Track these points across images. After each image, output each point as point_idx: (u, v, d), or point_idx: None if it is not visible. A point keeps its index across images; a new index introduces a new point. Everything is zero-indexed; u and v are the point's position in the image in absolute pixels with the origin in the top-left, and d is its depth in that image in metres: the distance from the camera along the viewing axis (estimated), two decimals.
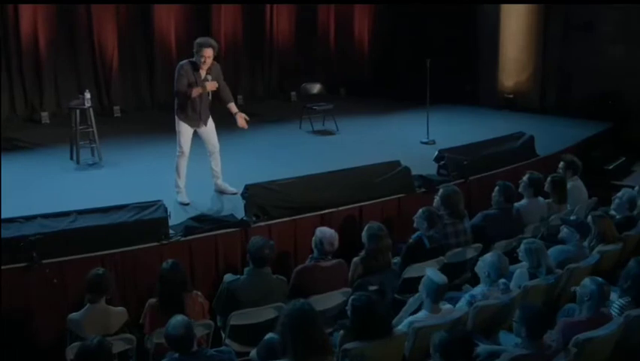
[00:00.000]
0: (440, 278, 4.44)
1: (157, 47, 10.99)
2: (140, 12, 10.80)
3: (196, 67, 6.41)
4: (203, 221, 5.85)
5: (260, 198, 5.98)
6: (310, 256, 5.19)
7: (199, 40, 6.48)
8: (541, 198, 6.43)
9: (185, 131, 6.59)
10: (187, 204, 6.53)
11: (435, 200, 5.95)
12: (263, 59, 12.28)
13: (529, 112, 10.90)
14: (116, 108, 10.64)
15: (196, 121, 6.60)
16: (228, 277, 5.30)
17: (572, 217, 5.54)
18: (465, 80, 11.49)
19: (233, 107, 6.72)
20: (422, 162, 7.62)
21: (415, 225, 5.64)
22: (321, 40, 12.84)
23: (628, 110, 10.16)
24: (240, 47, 11.92)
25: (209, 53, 6.34)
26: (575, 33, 10.66)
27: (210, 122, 6.75)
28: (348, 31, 13.09)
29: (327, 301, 4.95)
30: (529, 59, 11.11)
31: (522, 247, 5.08)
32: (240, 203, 6.31)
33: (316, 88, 10.14)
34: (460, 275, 5.83)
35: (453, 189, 5.88)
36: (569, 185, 6.67)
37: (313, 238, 5.13)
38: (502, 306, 4.62)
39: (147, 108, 11.11)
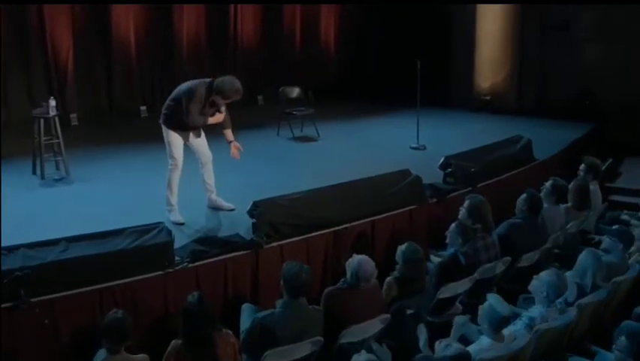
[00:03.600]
0: (505, 309, 4.05)
1: (115, 49, 10.19)
2: (97, 12, 9.94)
3: (209, 94, 5.79)
4: (209, 244, 5.21)
5: (271, 215, 5.39)
6: (343, 279, 4.64)
7: (231, 84, 5.80)
8: (562, 206, 6.11)
9: (176, 141, 5.94)
10: (182, 224, 5.86)
11: (461, 212, 5.52)
12: (227, 61, 11.62)
13: (507, 114, 10.70)
14: (73, 116, 9.73)
15: (188, 134, 6.00)
16: (246, 307, 4.79)
17: (613, 226, 5.21)
18: (440, 83, 11.18)
19: (229, 134, 6.19)
20: (416, 169, 7.16)
21: (447, 241, 5.20)
22: (287, 42, 12.31)
23: (605, 110, 10.09)
24: (204, 49, 11.24)
25: (234, 98, 5.83)
26: (551, 33, 10.56)
27: (201, 132, 6.12)
28: (314, 32, 12.60)
29: (367, 330, 4.47)
30: (505, 59, 10.93)
31: (580, 255, 4.72)
32: (239, 220, 5.78)
33: (295, 92, 9.57)
34: (487, 291, 5.43)
35: (480, 200, 5.48)
36: None
37: (349, 262, 4.58)
38: (564, 328, 4.27)
39: (106, 115, 10.26)
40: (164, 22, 10.65)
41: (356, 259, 4.58)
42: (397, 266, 4.92)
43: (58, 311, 4.45)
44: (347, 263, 4.58)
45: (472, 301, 5.26)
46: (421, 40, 11.09)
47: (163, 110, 6.02)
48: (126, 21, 10.21)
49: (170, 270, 4.88)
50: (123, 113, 10.31)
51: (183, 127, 5.88)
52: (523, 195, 5.73)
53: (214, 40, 11.31)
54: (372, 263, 4.59)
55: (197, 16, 11.00)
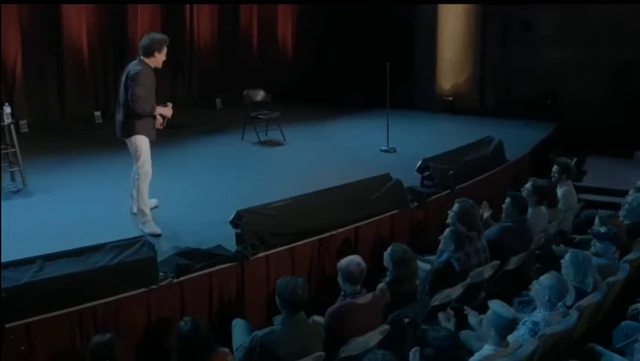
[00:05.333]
0: (509, 313, 3.94)
1: (67, 52, 9.72)
2: (46, 13, 9.42)
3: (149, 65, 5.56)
4: (193, 257, 4.92)
5: (256, 225, 5.15)
6: (342, 294, 4.45)
7: (158, 36, 5.67)
8: (543, 207, 6.10)
9: (146, 146, 5.65)
10: (158, 235, 5.55)
11: (450, 216, 5.41)
12: (183, 63, 11.26)
13: (469, 114, 10.75)
14: (23, 123, 9.16)
15: (153, 131, 5.71)
16: (237, 323, 4.57)
17: (601, 229, 5.21)
18: (402, 84, 11.13)
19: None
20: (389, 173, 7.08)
21: (441, 246, 5.09)
22: (244, 43, 12.03)
23: (566, 109, 10.26)
24: None
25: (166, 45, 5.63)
26: (513, 34, 10.66)
27: None
28: (272, 34, 12.36)
29: (368, 342, 4.32)
30: (467, 60, 10.96)
31: (567, 257, 4.68)
32: (213, 230, 5.55)
33: (260, 95, 9.32)
34: (476, 296, 5.37)
35: (470, 203, 5.39)
36: (563, 189, 6.46)
37: (338, 271, 4.41)
38: (566, 331, 4.21)
39: (57, 121, 9.75)
40: (117, 22, 10.21)
41: (342, 263, 4.44)
42: (388, 271, 4.77)
43: (35, 336, 4.10)
44: (338, 278, 4.42)
45: (462, 307, 5.20)
46: (382, 41, 11.02)
47: (119, 121, 5.65)
48: (78, 22, 9.75)
49: (155, 286, 4.59)
50: (76, 119, 9.83)
51: (149, 125, 5.59)
52: (509, 199, 5.67)
53: (170, 42, 10.88)
54: (357, 259, 4.44)
55: (152, 17, 10.61)
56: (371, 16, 11.42)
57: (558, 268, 5.87)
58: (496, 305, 4.00)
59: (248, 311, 5.07)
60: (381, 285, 4.76)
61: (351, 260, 4.46)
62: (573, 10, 10.11)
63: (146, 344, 4.53)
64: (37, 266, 4.29)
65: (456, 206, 5.38)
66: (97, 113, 10.04)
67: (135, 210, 5.82)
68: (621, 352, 4.32)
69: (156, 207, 6.07)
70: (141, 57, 5.56)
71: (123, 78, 5.53)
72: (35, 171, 7.19)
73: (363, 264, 4.47)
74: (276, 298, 4.08)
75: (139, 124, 5.56)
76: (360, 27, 11.62)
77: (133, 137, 5.61)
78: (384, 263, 4.84)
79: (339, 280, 4.46)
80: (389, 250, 4.82)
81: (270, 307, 5.23)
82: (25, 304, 4.08)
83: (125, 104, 5.52)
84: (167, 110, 5.75)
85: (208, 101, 11.51)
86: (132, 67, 5.51)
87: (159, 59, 5.63)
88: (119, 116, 5.64)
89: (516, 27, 10.62)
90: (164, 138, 8.92)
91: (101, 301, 4.34)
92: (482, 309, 5.18)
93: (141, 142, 5.62)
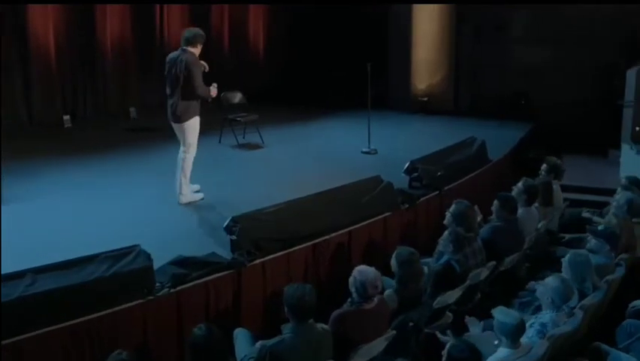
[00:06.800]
0: (513, 318, 3.90)
1: (33, 54, 9.37)
2: (11, 13, 9.05)
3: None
4: (189, 266, 4.75)
5: (253, 231, 5.01)
6: (349, 299, 4.35)
7: (198, 30, 6.29)
8: (534, 208, 6.13)
9: (197, 125, 6.23)
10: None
11: (447, 217, 5.38)
12: (153, 64, 10.94)
13: (444, 115, 10.79)
14: None
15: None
16: (240, 332, 4.42)
17: (599, 227, 5.25)
18: (377, 84, 11.10)
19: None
20: (374, 174, 7.01)
21: (440, 248, 5.05)
22: (215, 44, 11.78)
23: (539, 109, 10.39)
24: (130, 52, 10.60)
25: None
26: (487, 34, 10.73)
27: None
28: (243, 34, 12.18)
29: (375, 348, 4.24)
30: (441, 60, 10.99)
31: (567, 257, 4.68)
32: (202, 236, 5.49)
33: (237, 97, 9.15)
34: (473, 298, 5.36)
35: (466, 205, 5.36)
36: None
37: (351, 279, 4.30)
38: (574, 331, 4.22)
39: (24, 127, 9.39)
40: (86, 23, 9.90)
41: (356, 271, 4.32)
42: (395, 277, 4.68)
43: (26, 354, 3.88)
44: (349, 282, 4.31)
45: (459, 309, 5.18)
46: (356, 41, 10.97)
47: (175, 107, 6.10)
48: (44, 23, 9.41)
49: (152, 297, 4.41)
50: (44, 124, 9.48)
51: (198, 107, 6.18)
52: (499, 200, 5.67)
53: (140, 43, 10.66)
54: (374, 270, 4.34)
55: (121, 17, 10.33)
56: (344, 16, 11.35)
57: (548, 267, 5.97)
58: (498, 313, 3.96)
59: (245, 319, 4.93)
60: (388, 291, 4.66)
61: (368, 275, 4.25)
62: (546, 11, 10.24)
63: (144, 358, 4.34)
64: (28, 280, 4.07)
65: (453, 207, 5.35)
66: (66, 118, 9.69)
67: (183, 200, 6.29)
68: (625, 350, 4.34)
69: (198, 191, 6.52)
70: (185, 47, 6.08)
71: (176, 67, 6.01)
72: (4, 179, 6.85)
73: (380, 283, 4.35)
74: (284, 305, 3.95)
75: (194, 106, 6.13)
76: (333, 27, 11.54)
77: (192, 119, 6.14)
78: (391, 267, 4.75)
79: (352, 286, 4.33)
80: (395, 253, 4.73)
81: (267, 315, 5.12)
82: (17, 321, 3.86)
83: (183, 89, 6.00)
84: (215, 91, 6.28)
85: None
86: (186, 56, 6.02)
87: (199, 49, 6.17)
88: (176, 102, 6.09)
89: (490, 27, 10.69)
90: (140, 142, 8.72)
91: (97, 314, 4.15)
92: (479, 311, 5.24)
93: (196, 123, 6.20)
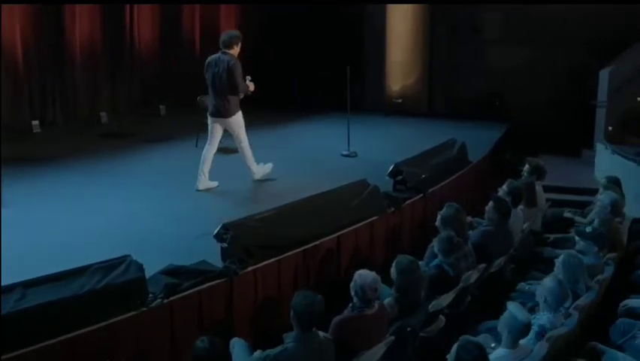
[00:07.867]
0: (525, 316, 3.92)
1: None
2: None
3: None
4: (181, 275, 4.64)
5: (244, 238, 4.92)
6: (350, 304, 4.30)
7: (235, 32, 7.04)
8: (519, 209, 6.18)
9: (242, 120, 6.93)
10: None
11: (438, 220, 5.38)
12: (124, 67, 10.76)
13: (419, 116, 10.82)
14: None
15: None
16: (237, 342, 4.32)
17: (587, 229, 5.32)
18: (351, 86, 11.07)
19: None
20: (354, 177, 6.92)
21: (435, 250, 5.05)
22: (186, 45, 11.62)
23: (513, 110, 10.52)
24: (100, 54, 10.35)
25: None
26: (460, 35, 10.80)
27: None
28: (214, 35, 11.96)
29: (374, 355, 4.21)
30: (416, 61, 11.02)
31: (560, 259, 4.73)
32: (188, 243, 5.35)
33: None
34: (464, 301, 5.37)
35: (457, 208, 5.37)
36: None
37: (352, 284, 4.26)
38: (571, 332, 4.26)
39: None
40: (54, 25, 9.62)
41: (357, 275, 4.29)
42: (394, 286, 4.65)
43: None
44: (350, 286, 4.26)
45: (451, 312, 5.18)
46: (330, 43, 10.92)
47: (221, 105, 6.75)
48: (11, 24, 9.07)
49: (145, 308, 4.28)
50: (12, 129, 9.14)
51: (239, 101, 6.88)
52: (492, 202, 5.70)
53: (110, 44, 10.41)
54: (374, 274, 4.30)
55: (90, 17, 10.07)
56: (318, 16, 11.26)
57: (534, 268, 6.04)
58: (513, 307, 3.98)
59: (238, 328, 4.85)
60: (388, 300, 4.62)
61: (366, 279, 4.25)
62: (519, 12, 10.37)
63: None
64: (17, 294, 3.90)
65: (444, 211, 5.36)
66: (35, 123, 9.38)
67: (201, 187, 6.88)
68: (620, 349, 4.40)
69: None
70: (225, 50, 6.73)
71: (218, 68, 6.69)
72: None
73: (380, 286, 4.33)
74: (291, 312, 3.88)
75: (237, 103, 6.83)
76: (306, 28, 11.44)
77: (237, 113, 6.84)
78: (391, 276, 4.70)
79: (352, 290, 4.28)
80: (395, 262, 4.69)
81: (260, 323, 5.04)
82: (7, 338, 3.70)
83: (229, 89, 6.67)
84: (252, 85, 6.88)
85: (151, 108, 11.04)
86: (227, 58, 6.69)
87: (237, 50, 6.79)
88: (221, 101, 6.77)
89: (464, 28, 10.76)
90: (114, 147, 8.49)
91: (91, 328, 4.01)
92: (469, 314, 5.27)
93: (241, 117, 6.91)
